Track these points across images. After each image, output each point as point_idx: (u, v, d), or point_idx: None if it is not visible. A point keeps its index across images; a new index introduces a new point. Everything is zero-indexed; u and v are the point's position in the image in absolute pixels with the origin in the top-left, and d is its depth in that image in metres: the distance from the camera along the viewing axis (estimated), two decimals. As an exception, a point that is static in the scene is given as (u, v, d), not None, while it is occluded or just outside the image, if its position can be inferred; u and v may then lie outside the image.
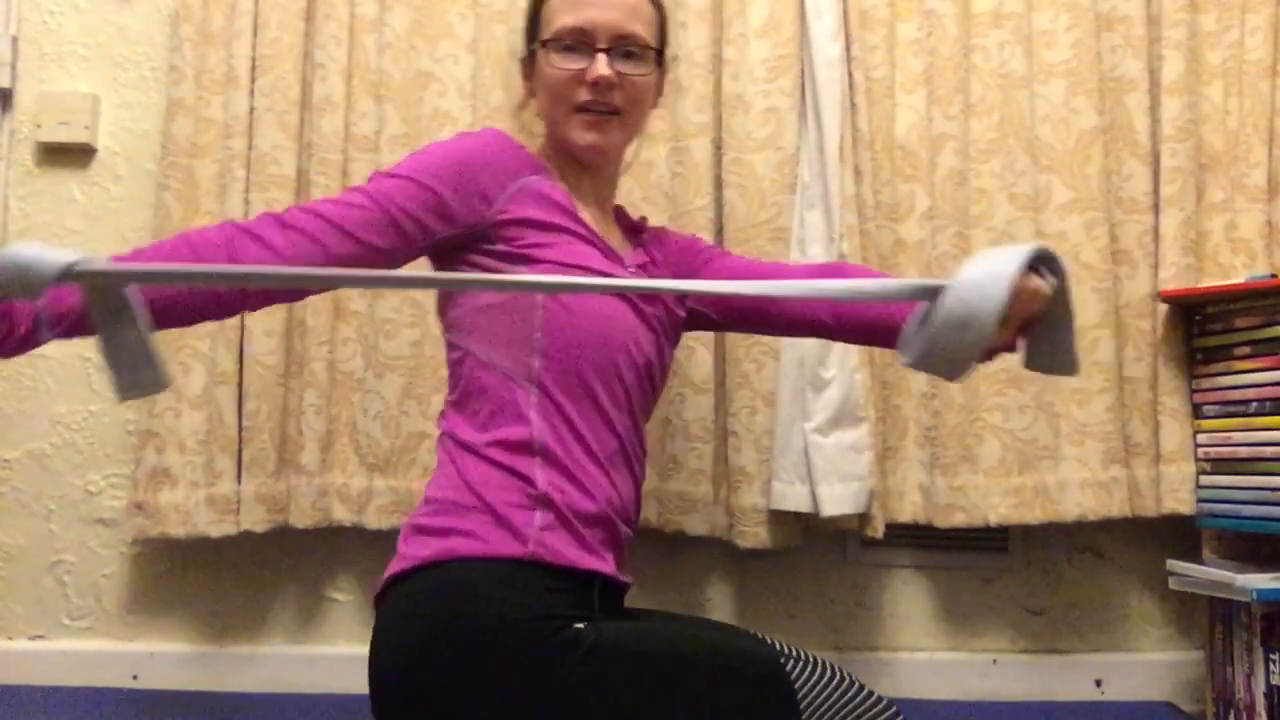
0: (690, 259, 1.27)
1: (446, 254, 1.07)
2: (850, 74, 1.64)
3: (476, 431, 1.03)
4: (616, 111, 1.11)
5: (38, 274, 0.74)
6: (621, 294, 1.06)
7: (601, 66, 1.08)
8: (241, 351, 1.63)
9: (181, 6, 1.70)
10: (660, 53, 1.16)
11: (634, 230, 1.26)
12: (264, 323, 1.62)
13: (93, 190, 1.78)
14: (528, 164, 1.08)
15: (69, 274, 0.75)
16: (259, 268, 0.74)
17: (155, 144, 1.75)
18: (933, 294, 0.85)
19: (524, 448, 1.01)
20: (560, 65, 1.09)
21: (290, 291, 1.07)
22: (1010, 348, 1.02)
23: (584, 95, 1.09)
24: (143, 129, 1.78)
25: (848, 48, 1.64)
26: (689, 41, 1.67)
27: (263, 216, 0.97)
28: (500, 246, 1.04)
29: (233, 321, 1.61)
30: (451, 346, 1.09)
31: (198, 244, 0.92)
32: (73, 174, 1.78)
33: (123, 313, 0.79)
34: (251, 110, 1.66)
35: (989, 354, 0.99)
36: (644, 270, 1.17)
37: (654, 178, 1.66)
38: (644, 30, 1.12)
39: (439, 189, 1.02)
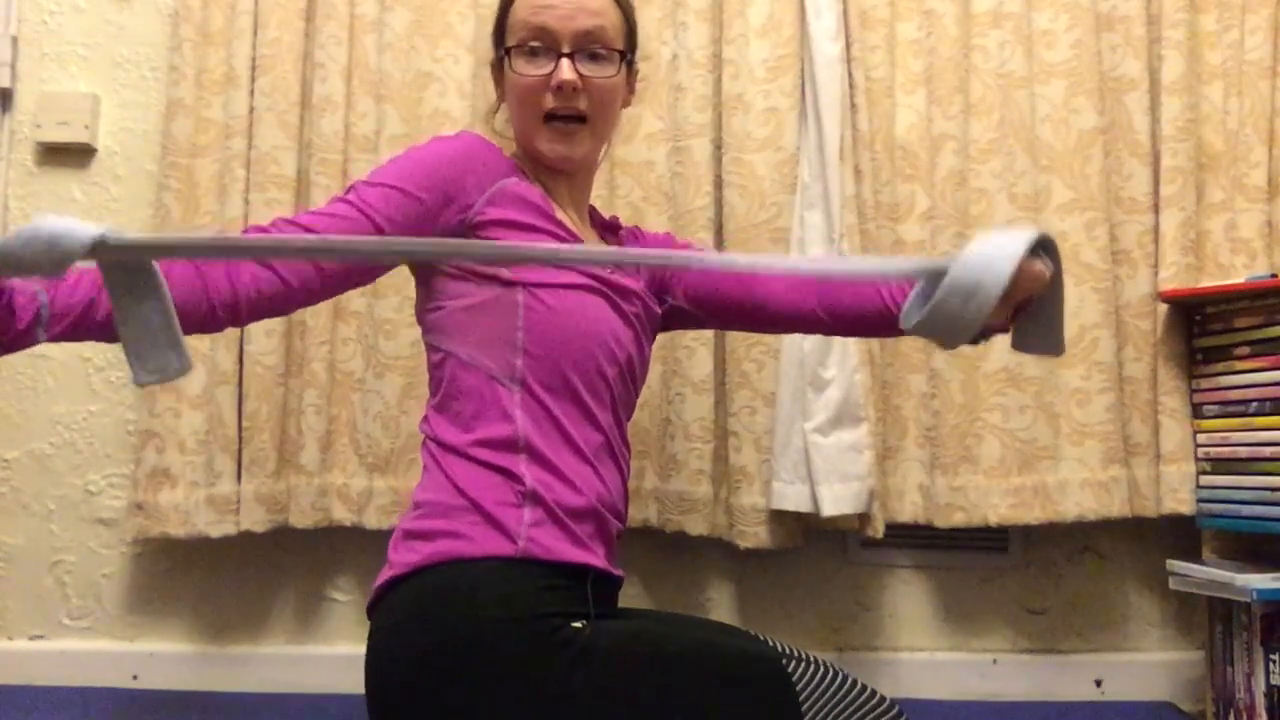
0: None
1: (424, 260, 1.07)
2: (850, 74, 1.64)
3: (460, 432, 1.03)
4: (583, 118, 1.10)
5: (68, 247, 0.70)
6: (603, 292, 1.07)
7: (566, 71, 1.07)
8: (241, 351, 1.63)
9: (181, 6, 1.70)
10: (627, 55, 1.14)
11: (609, 229, 1.26)
12: (264, 323, 1.62)
13: (93, 190, 1.78)
14: (505, 166, 1.08)
15: (101, 246, 0.70)
16: (294, 239, 0.71)
17: (155, 144, 1.75)
18: (938, 274, 0.88)
19: (510, 446, 1.01)
20: (525, 71, 1.08)
21: (280, 304, 0.97)
22: (1004, 329, 1.04)
23: (550, 102, 1.08)
24: (143, 129, 1.79)
25: (848, 48, 1.64)
26: (689, 41, 1.67)
27: (249, 231, 0.95)
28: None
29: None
30: (432, 349, 1.09)
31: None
32: (73, 174, 1.78)
33: (148, 292, 0.75)
34: (251, 110, 1.66)
35: (984, 334, 1.01)
36: (620, 268, 1.17)
37: (654, 178, 1.66)
38: (608, 31, 1.11)
39: (421, 195, 1.01)
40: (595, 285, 1.06)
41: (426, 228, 1.02)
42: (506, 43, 1.11)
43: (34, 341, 0.81)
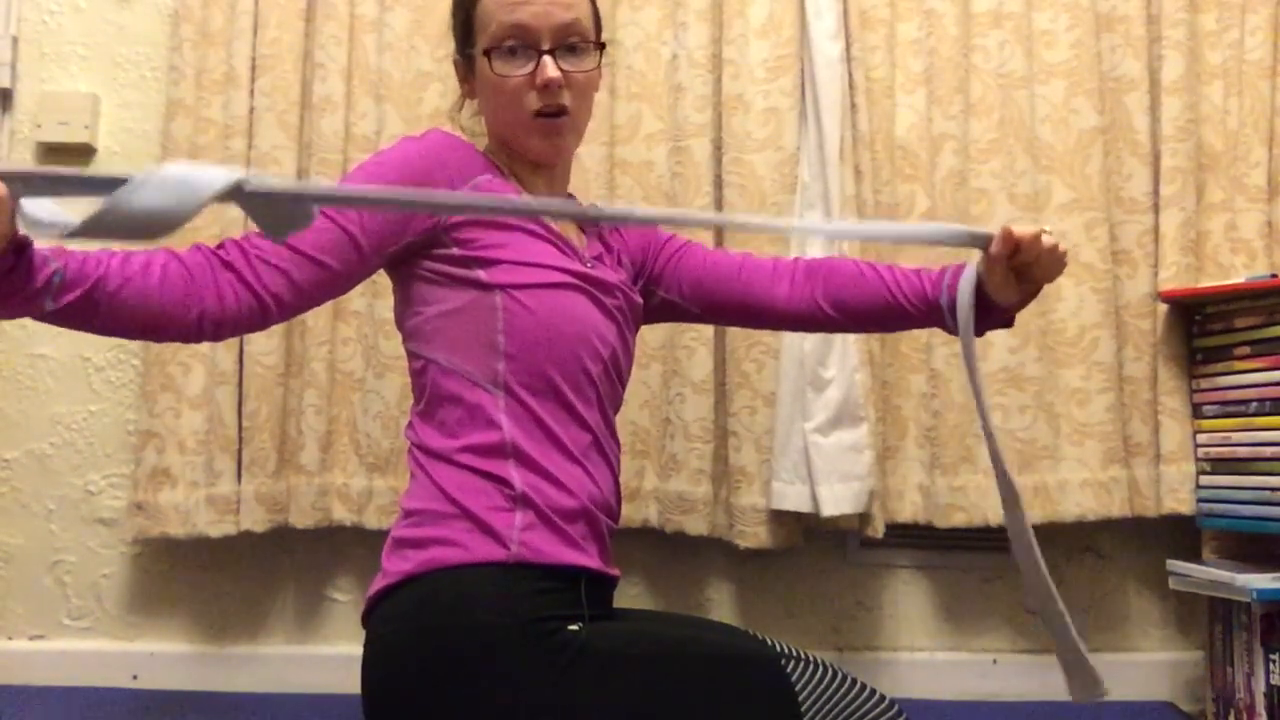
0: (651, 245, 1.25)
1: (401, 263, 1.05)
2: (850, 74, 1.64)
3: (446, 439, 1.02)
4: (566, 111, 1.09)
5: (195, 195, 0.67)
6: (583, 289, 1.06)
7: (550, 69, 1.05)
8: (241, 351, 1.63)
9: (181, 6, 1.70)
10: (600, 44, 1.13)
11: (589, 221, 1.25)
12: (264, 323, 1.62)
13: (93, 190, 1.78)
14: (478, 164, 1.06)
15: (236, 194, 0.69)
16: (434, 195, 0.83)
17: (155, 144, 1.76)
18: (983, 241, 0.95)
19: (497, 451, 1.00)
20: (507, 72, 1.06)
21: (257, 324, 0.98)
22: (1009, 318, 1.12)
23: (535, 101, 1.07)
24: (143, 129, 1.79)
25: (848, 48, 1.64)
26: (689, 41, 1.66)
27: (225, 244, 0.93)
28: (455, 250, 1.02)
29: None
30: (413, 356, 1.07)
31: (188, 262, 0.89)
32: (73, 174, 1.78)
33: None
34: (251, 110, 1.66)
35: (996, 320, 1.08)
36: (600, 261, 1.15)
37: (654, 178, 1.66)
38: (583, 22, 1.09)
39: None
40: (574, 282, 1.05)
41: (400, 231, 1.00)
42: (479, 42, 1.09)
43: (39, 309, 0.80)
